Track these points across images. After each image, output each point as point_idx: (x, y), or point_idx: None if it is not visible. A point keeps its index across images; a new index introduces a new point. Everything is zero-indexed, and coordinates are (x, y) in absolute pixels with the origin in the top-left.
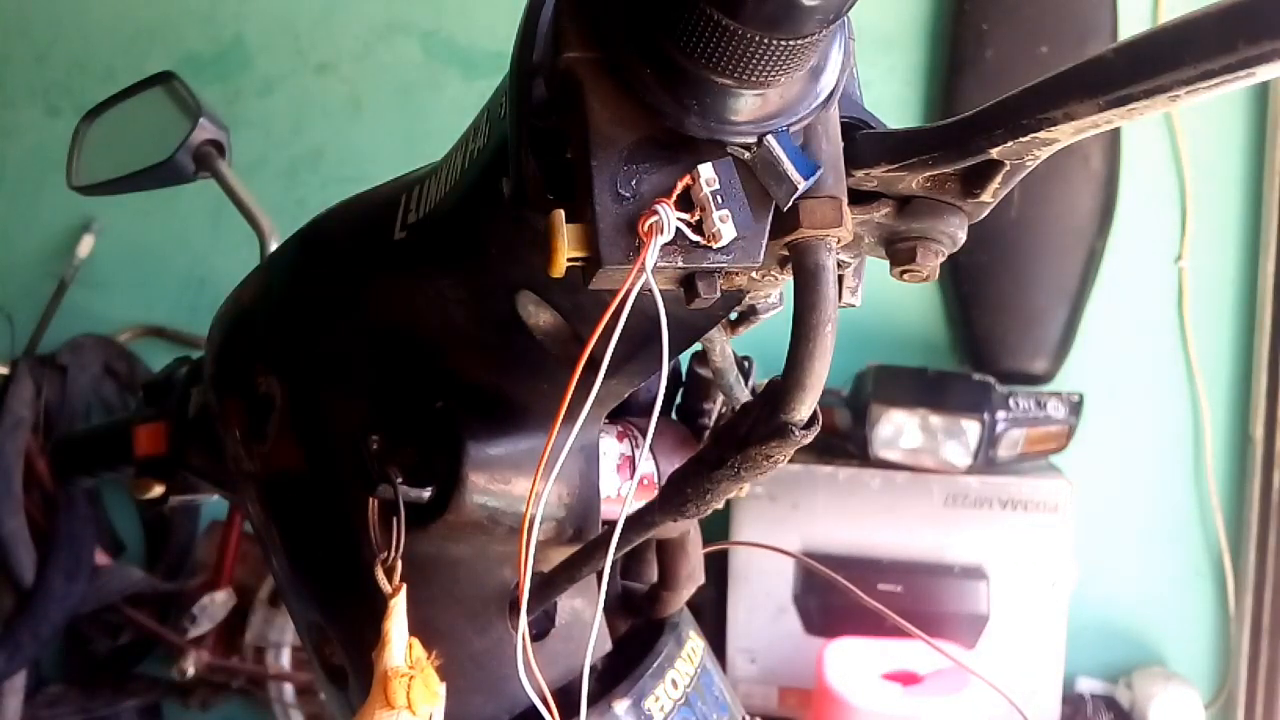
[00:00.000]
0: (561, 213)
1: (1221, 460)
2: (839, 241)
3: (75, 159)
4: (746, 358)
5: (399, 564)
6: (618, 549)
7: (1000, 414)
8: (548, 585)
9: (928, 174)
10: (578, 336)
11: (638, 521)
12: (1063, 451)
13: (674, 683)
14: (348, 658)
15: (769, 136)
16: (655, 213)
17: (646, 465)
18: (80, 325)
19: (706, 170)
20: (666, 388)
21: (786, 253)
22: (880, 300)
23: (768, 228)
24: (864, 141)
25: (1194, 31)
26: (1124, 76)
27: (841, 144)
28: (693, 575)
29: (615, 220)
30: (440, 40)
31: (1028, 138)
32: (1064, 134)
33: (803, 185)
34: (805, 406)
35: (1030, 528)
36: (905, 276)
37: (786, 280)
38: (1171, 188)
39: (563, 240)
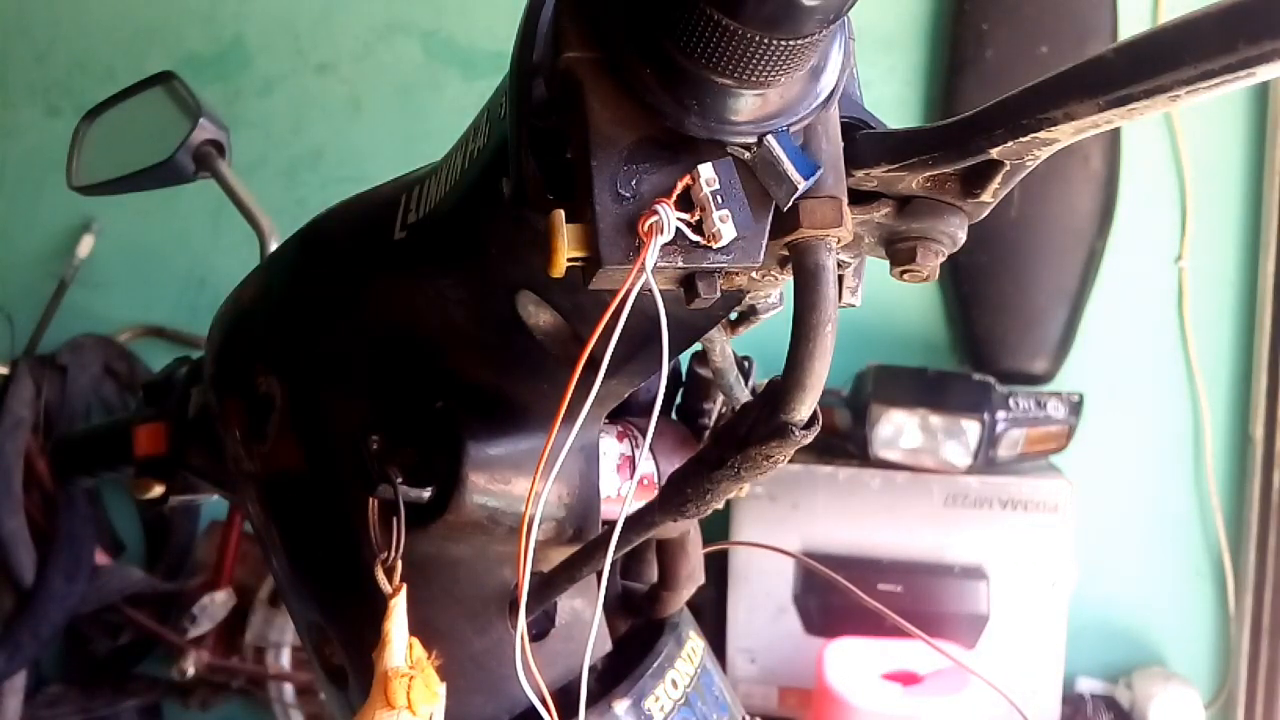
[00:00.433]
0: (561, 213)
1: (1221, 460)
2: (839, 241)
3: (75, 159)
4: (746, 358)
5: (399, 564)
6: (618, 549)
7: (1000, 414)
8: (548, 585)
9: (928, 174)
10: (578, 336)
11: (638, 521)
12: (1063, 451)
13: (674, 683)
14: (348, 658)
15: (769, 136)
16: (655, 213)
17: (646, 465)
18: (80, 325)
19: (706, 170)
20: (666, 388)
21: (786, 253)
22: (880, 300)
23: (768, 228)
24: (864, 141)
25: (1194, 31)
26: (1124, 76)
27: (841, 144)
28: (693, 575)
29: (615, 220)
30: (440, 40)
31: (1028, 138)
32: (1064, 134)
33: (803, 185)
34: (805, 406)
35: (1030, 528)
36: (905, 276)
37: (786, 280)
38: (1171, 188)
39: (563, 240)
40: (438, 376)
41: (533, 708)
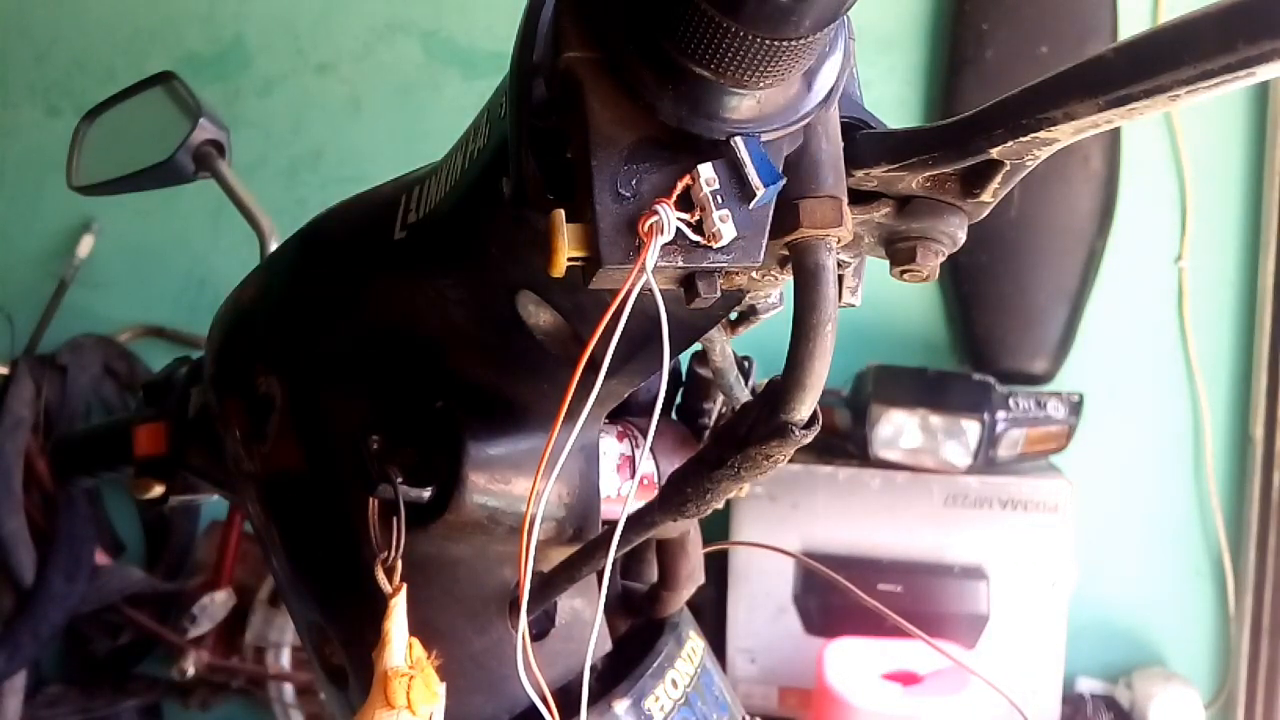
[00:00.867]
0: (562, 213)
1: (1221, 460)
2: (839, 241)
3: (75, 159)
4: (746, 358)
5: (399, 564)
6: (618, 549)
7: (1000, 414)
8: (548, 585)
9: (928, 174)
10: (578, 336)
11: (638, 521)
12: (1063, 451)
13: (674, 683)
14: (348, 658)
15: (736, 138)
16: (655, 213)
17: (646, 465)
18: (80, 325)
19: (706, 170)
20: (666, 388)
21: (786, 253)
22: (880, 300)
23: (768, 227)
24: (864, 141)
25: (1194, 31)
26: (1124, 76)
27: (841, 144)
28: (693, 575)
29: (615, 220)
30: (440, 40)
31: (1028, 138)
32: (1064, 134)
33: (761, 192)
34: (805, 406)
35: (1030, 528)
36: (905, 276)
37: (786, 280)
38: (1171, 188)
39: (563, 240)
40: (438, 376)
41: (533, 707)
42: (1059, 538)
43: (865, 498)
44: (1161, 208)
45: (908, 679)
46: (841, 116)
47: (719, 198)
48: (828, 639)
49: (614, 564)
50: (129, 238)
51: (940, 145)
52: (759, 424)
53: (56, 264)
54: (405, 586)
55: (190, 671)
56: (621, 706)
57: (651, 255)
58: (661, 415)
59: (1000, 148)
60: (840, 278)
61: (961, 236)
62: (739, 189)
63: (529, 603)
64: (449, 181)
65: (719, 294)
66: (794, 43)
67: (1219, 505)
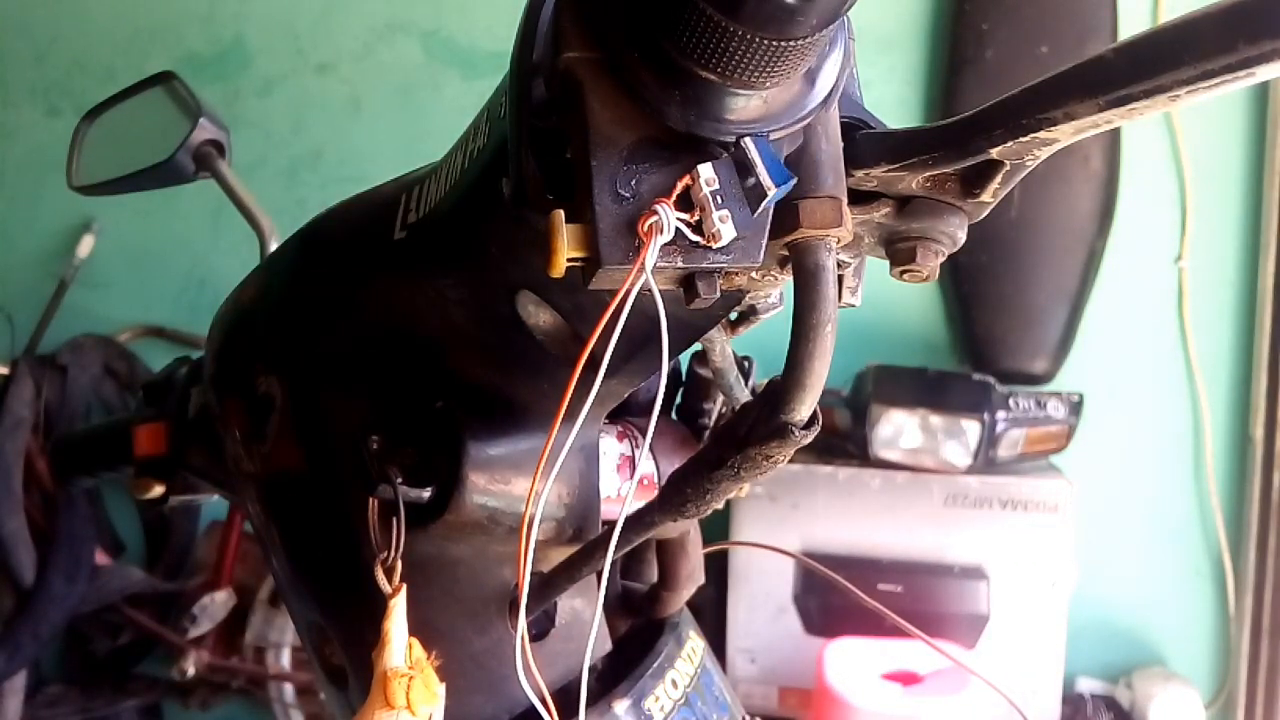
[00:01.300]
0: (561, 213)
1: (1221, 460)
2: (839, 241)
3: (75, 159)
4: (746, 358)
5: (399, 564)
6: (618, 549)
7: (1000, 414)
8: (548, 585)
9: (928, 174)
10: (578, 336)
11: (638, 521)
12: (1063, 451)
13: (674, 683)
14: (348, 658)
15: (746, 139)
16: (655, 213)
17: (646, 465)
18: (80, 325)
19: (706, 170)
20: (666, 388)
21: (786, 253)
22: (880, 300)
23: (767, 228)
24: (864, 141)
25: (1194, 31)
26: (1124, 76)
27: (841, 144)
28: (693, 575)
29: (615, 220)
30: (440, 40)
31: (1028, 138)
32: (1064, 134)
33: (772, 192)
34: (805, 406)
35: (1030, 528)
36: (905, 276)
37: (786, 280)
38: (1171, 188)
39: (563, 240)
40: (438, 376)
41: (533, 708)
42: (1059, 538)
43: (865, 498)
44: (1161, 208)
45: (908, 679)
46: (841, 116)
47: (718, 198)
48: (828, 639)
49: (614, 564)
50: (129, 238)
51: (940, 145)
52: (759, 424)
53: (56, 264)
54: (405, 587)
55: (190, 671)
56: (621, 707)
57: (651, 255)
58: (661, 415)
59: (1000, 148)
60: (840, 278)
61: (961, 236)
62: (740, 189)
63: (529, 603)
64: (449, 181)
65: (719, 294)
66: (799, 42)
67: (1219, 505)
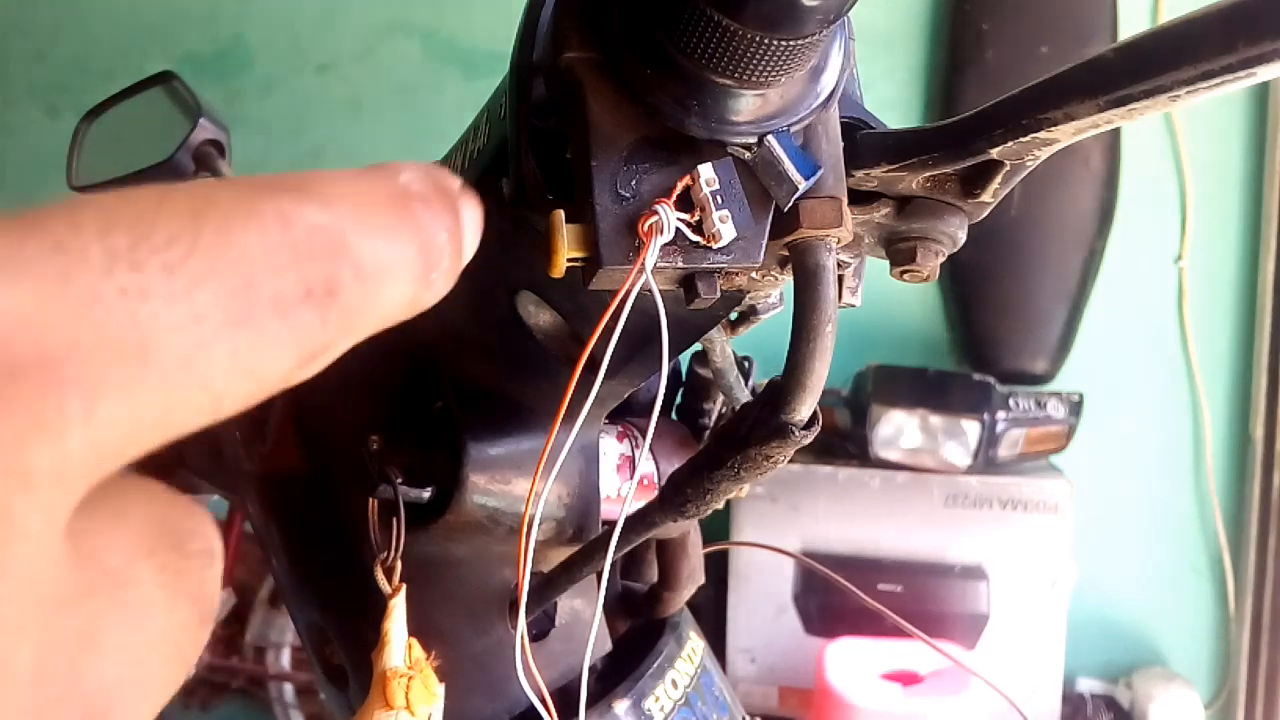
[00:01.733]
0: (561, 213)
1: (1221, 460)
2: (839, 241)
3: (75, 159)
4: (746, 358)
5: (399, 564)
6: (618, 549)
7: (1000, 414)
8: (548, 585)
9: (928, 174)
10: (578, 336)
11: (638, 522)
12: (1063, 451)
13: (674, 683)
14: (348, 658)
15: (769, 137)
16: (655, 213)
17: (646, 465)
18: None
19: (706, 170)
20: (666, 388)
21: (786, 253)
22: (880, 300)
23: (768, 228)
24: (864, 141)
25: (1194, 31)
26: (1124, 76)
27: (841, 144)
28: (693, 575)
29: (615, 220)
30: (440, 40)
31: (1028, 138)
32: (1064, 134)
33: (803, 185)
34: (805, 406)
35: (1030, 528)
36: (905, 276)
37: (786, 280)
38: (1171, 188)
39: (563, 240)
40: (437, 376)
41: (533, 708)
42: (1059, 538)
43: (865, 498)
44: (1161, 208)
45: (908, 679)
46: (841, 116)
47: (719, 198)
48: (828, 639)
49: (614, 564)
50: None
51: (940, 145)
52: (759, 424)
53: None
54: (405, 587)
55: (190, 671)
56: (621, 707)
57: (651, 255)
58: (661, 415)
59: (1000, 148)
60: (840, 278)
61: (962, 237)
62: (740, 189)
63: (529, 603)
64: None
65: (719, 294)
66: (796, 42)
67: (1219, 505)
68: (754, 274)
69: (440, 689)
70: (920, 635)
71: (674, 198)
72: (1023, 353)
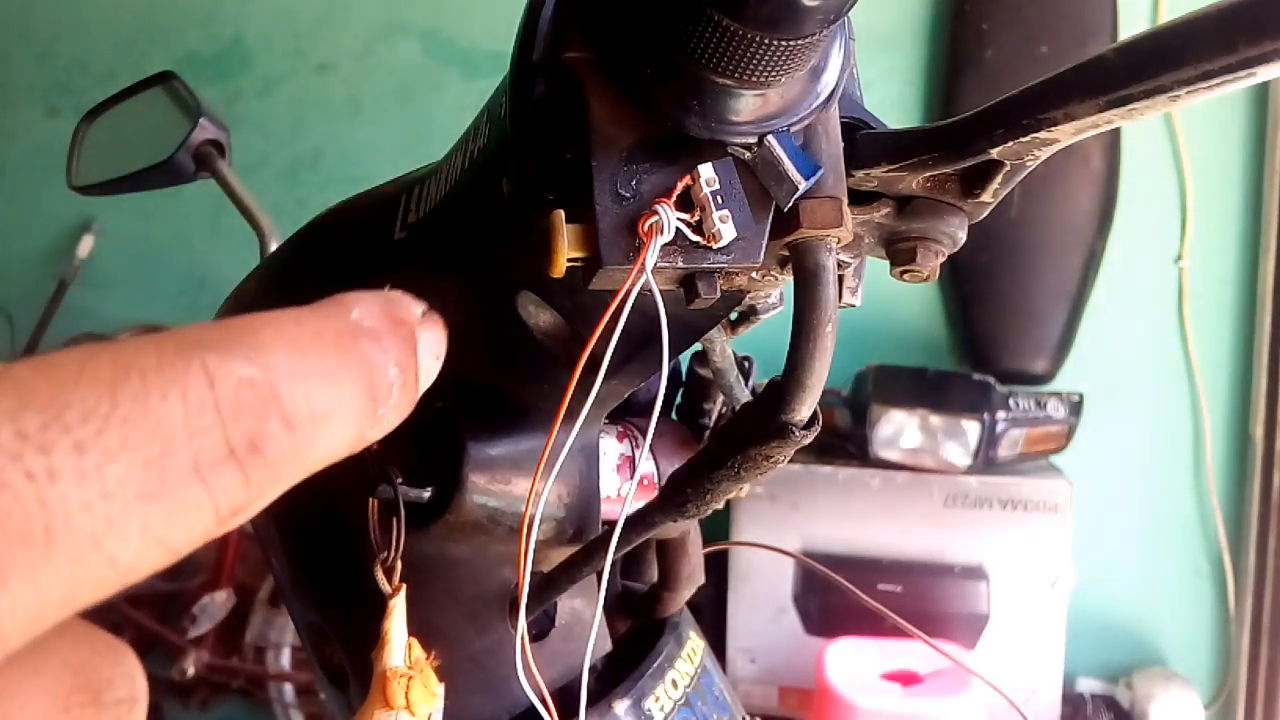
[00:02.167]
0: (561, 213)
1: (1221, 460)
2: (839, 242)
3: (75, 159)
4: (746, 358)
5: (399, 564)
6: (618, 549)
7: (1000, 414)
8: (548, 585)
9: (928, 174)
10: (578, 336)
11: (638, 521)
12: (1063, 451)
13: (674, 683)
14: (348, 658)
15: (769, 137)
16: (655, 213)
17: (646, 465)
18: (80, 325)
19: (706, 170)
20: (666, 388)
21: (786, 253)
22: (880, 300)
23: (768, 228)
24: (864, 141)
25: (1194, 31)
26: (1124, 76)
27: (841, 144)
28: (693, 575)
29: (615, 220)
30: (440, 40)
31: (1028, 138)
32: (1064, 134)
33: (803, 185)
34: (805, 407)
35: (1030, 528)
36: (905, 276)
37: (786, 280)
38: (1171, 188)
39: (563, 240)
40: (437, 377)
41: (533, 708)
42: (1059, 538)
43: (865, 498)
44: (1161, 208)
45: (908, 679)
46: (841, 116)
47: (719, 198)
48: (828, 639)
49: (614, 564)
50: (129, 238)
51: (940, 145)
52: (759, 424)
53: (56, 264)
54: (405, 587)
55: (190, 671)
56: (621, 707)
57: (651, 255)
58: (661, 415)
59: (1000, 148)
60: (840, 278)
61: (962, 237)
62: (740, 189)
63: (529, 603)
64: (449, 182)
65: (719, 294)
66: (796, 42)
67: (1219, 505)
68: (754, 274)
69: (440, 689)
70: (920, 635)
71: (674, 198)
72: (1023, 353)
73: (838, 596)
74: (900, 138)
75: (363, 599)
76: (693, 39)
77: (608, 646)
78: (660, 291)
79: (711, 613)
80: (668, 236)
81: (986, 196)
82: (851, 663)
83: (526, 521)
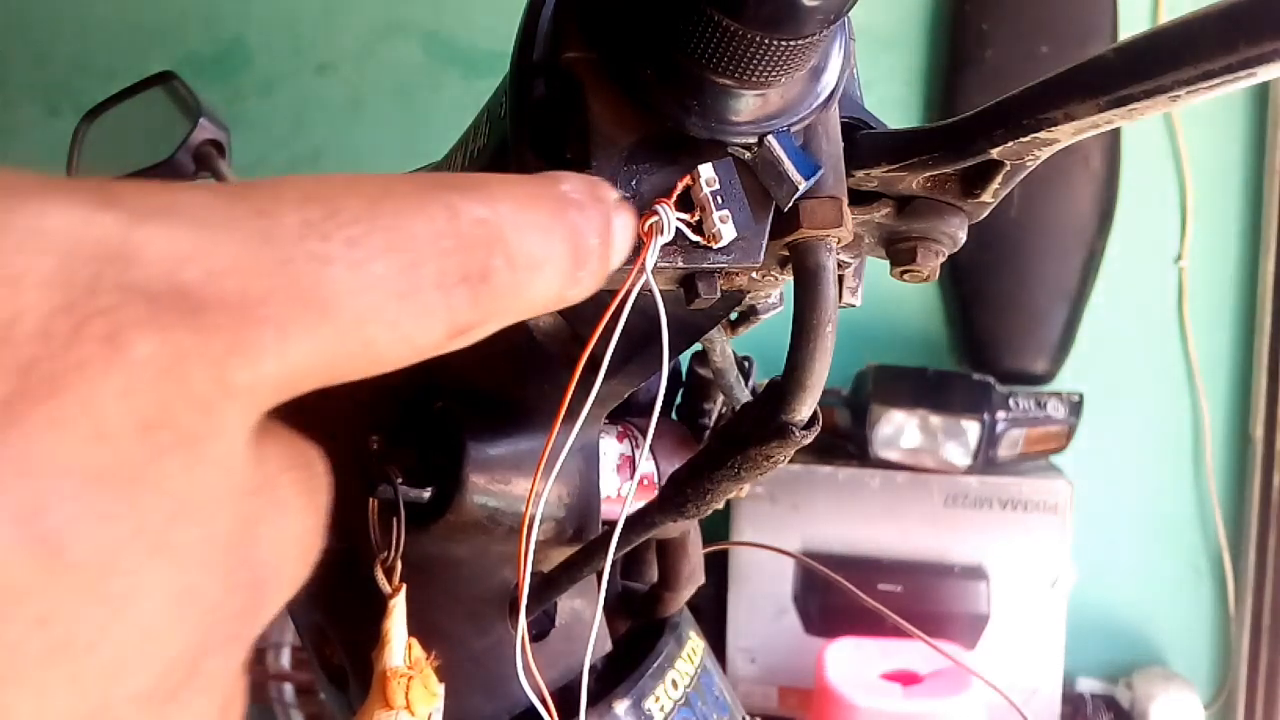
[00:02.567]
0: None
1: (1221, 460)
2: (839, 242)
3: (75, 159)
4: (746, 358)
5: (399, 564)
6: (618, 549)
7: (1000, 414)
8: (548, 585)
9: (928, 174)
10: (578, 337)
11: (638, 521)
12: (1063, 451)
13: (674, 683)
14: (348, 658)
15: (769, 137)
16: (655, 213)
17: (646, 465)
18: None
19: (706, 170)
20: (666, 388)
21: (786, 253)
22: (880, 300)
23: (768, 228)
24: (864, 141)
25: (1194, 31)
26: (1124, 76)
27: (841, 144)
28: (693, 575)
29: None
30: (440, 40)
31: (1028, 138)
32: (1064, 134)
33: (803, 185)
34: (805, 407)
35: (1030, 528)
36: (905, 276)
37: (786, 280)
38: (1171, 188)
39: None
40: (438, 377)
41: (533, 708)
42: (1059, 538)
43: (865, 498)
44: (1161, 208)
45: (908, 679)
46: (841, 116)
47: (719, 198)
48: (828, 639)
49: (614, 564)
50: None
51: (940, 145)
52: (759, 424)
53: None
54: (405, 587)
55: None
56: (621, 707)
57: (651, 255)
58: (661, 415)
59: (1000, 148)
60: (840, 278)
61: (962, 237)
62: (740, 189)
63: (529, 603)
64: None
65: (719, 294)
66: (796, 42)
67: (1219, 505)
68: (754, 274)
69: (440, 689)
70: (920, 635)
71: (674, 198)
72: (1023, 353)
73: (838, 596)
74: (900, 138)
75: (363, 599)
76: (693, 39)
77: (608, 646)
78: (660, 291)
79: (711, 613)
80: (668, 237)
81: (987, 196)
82: (851, 663)
83: (526, 521)
